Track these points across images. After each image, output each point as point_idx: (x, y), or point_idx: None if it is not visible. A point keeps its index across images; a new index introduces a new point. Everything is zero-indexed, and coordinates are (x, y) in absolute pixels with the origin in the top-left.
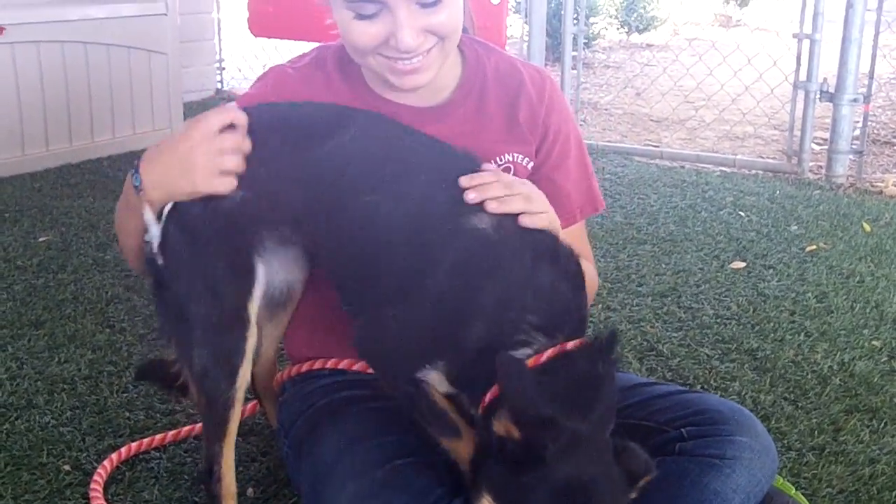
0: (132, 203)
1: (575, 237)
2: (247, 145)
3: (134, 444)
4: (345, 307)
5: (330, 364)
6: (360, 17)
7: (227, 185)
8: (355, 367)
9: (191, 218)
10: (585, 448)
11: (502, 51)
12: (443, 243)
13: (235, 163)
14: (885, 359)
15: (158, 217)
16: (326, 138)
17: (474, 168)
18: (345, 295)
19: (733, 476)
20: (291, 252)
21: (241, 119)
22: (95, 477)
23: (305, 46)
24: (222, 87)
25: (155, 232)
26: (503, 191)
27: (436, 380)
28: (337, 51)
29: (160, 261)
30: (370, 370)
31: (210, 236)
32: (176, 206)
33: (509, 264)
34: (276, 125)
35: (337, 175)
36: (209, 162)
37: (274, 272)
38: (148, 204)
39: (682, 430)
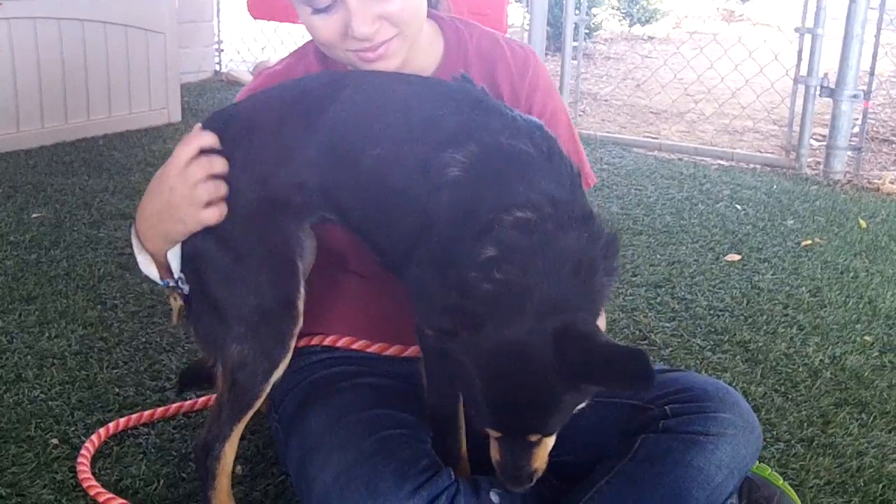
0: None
1: None
2: (218, 165)
3: (122, 420)
4: (388, 268)
5: (328, 342)
6: (316, 10)
7: (212, 215)
8: (355, 346)
9: (224, 227)
10: (500, 337)
11: (486, 28)
12: (433, 184)
13: (210, 190)
14: (877, 354)
15: (169, 271)
16: (326, 106)
17: (468, 99)
18: (382, 256)
19: (717, 452)
20: (312, 242)
21: (206, 140)
22: (83, 451)
23: (304, 30)
24: (220, 69)
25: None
26: None
27: None
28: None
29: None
30: (369, 349)
31: (250, 242)
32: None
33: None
34: (271, 111)
35: (345, 135)
36: (186, 198)
37: (306, 264)
38: (157, 261)
39: (666, 407)
